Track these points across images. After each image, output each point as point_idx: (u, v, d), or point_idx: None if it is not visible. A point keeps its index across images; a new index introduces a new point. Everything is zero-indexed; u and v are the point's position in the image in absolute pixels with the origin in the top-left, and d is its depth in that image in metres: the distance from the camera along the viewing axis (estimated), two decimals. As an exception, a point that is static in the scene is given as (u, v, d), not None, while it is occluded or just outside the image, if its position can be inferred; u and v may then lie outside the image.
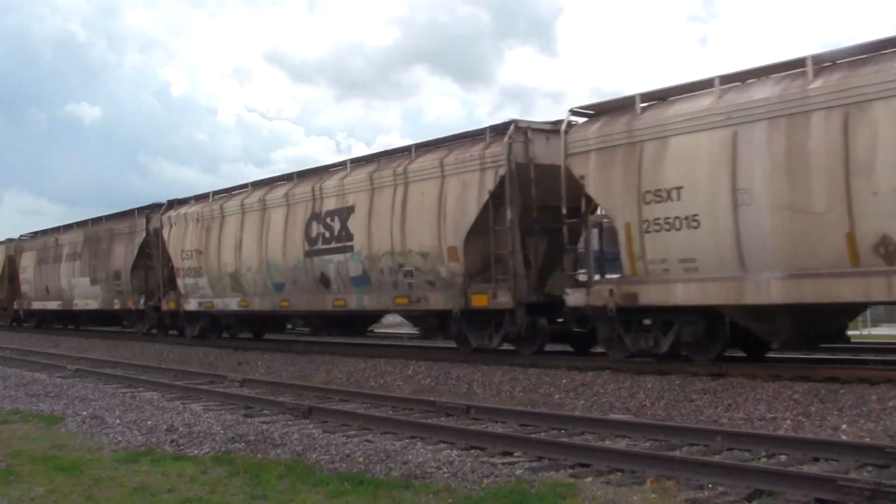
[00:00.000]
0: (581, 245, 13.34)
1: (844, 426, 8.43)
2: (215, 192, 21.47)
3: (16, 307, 33.80)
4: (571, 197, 12.57)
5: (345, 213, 16.25)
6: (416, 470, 6.92)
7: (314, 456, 7.64)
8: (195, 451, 8.17)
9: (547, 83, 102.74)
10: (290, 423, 10.14)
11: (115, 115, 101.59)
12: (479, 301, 13.78)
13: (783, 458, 7.34)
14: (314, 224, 17.02)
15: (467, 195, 13.93)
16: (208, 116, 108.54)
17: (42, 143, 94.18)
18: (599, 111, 12.66)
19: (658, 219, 11.15)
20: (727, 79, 10.94)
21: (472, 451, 8.10)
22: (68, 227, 30.18)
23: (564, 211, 12.67)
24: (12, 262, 34.61)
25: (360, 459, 7.39)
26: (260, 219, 18.78)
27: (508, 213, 13.42)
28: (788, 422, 8.84)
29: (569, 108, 13.28)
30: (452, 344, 15.43)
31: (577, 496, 6.07)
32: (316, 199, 17.10)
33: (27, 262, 32.52)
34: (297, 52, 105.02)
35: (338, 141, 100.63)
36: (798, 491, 5.87)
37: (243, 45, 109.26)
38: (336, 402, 11.86)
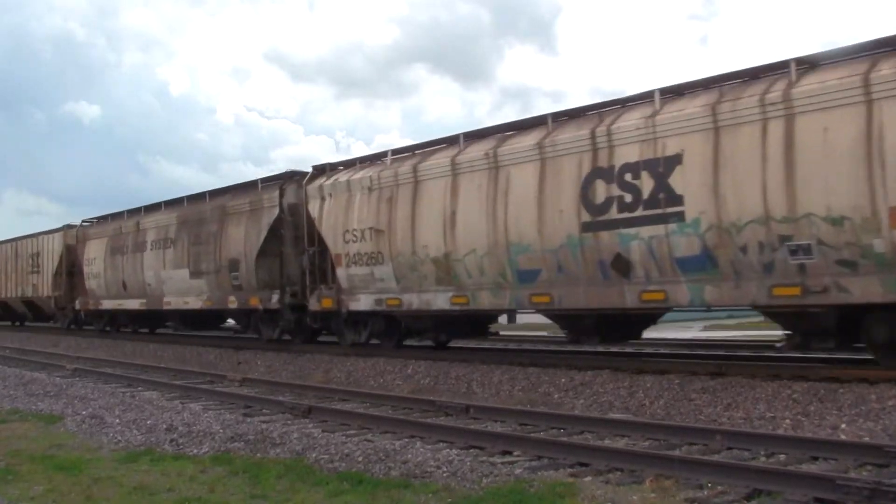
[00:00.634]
0: None
1: (844, 425, 8.44)
2: (395, 151, 16.17)
3: (77, 307, 27.96)
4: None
5: (661, 164, 11.29)
6: (415, 469, 6.92)
7: (313, 455, 7.64)
8: (194, 451, 8.17)
9: (547, 82, 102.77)
10: (289, 422, 10.14)
11: (114, 114, 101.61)
12: None
13: (782, 457, 7.35)
14: (599, 184, 12.01)
15: None
16: (207, 116, 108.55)
17: (41, 143, 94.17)
18: None
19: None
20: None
21: (472, 450, 8.10)
22: (152, 207, 24.36)
23: None
24: (72, 253, 28.61)
25: (360, 459, 7.39)
26: (488, 181, 13.54)
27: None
28: (788, 421, 8.85)
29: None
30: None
31: (577, 495, 6.08)
32: (599, 149, 12.06)
33: (94, 252, 26.45)
34: (297, 51, 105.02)
35: (337, 140, 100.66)
36: (797, 490, 5.88)
37: (243, 44, 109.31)
38: (335, 402, 11.86)
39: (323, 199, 16.77)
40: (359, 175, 16.15)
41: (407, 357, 15.20)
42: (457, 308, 14.40)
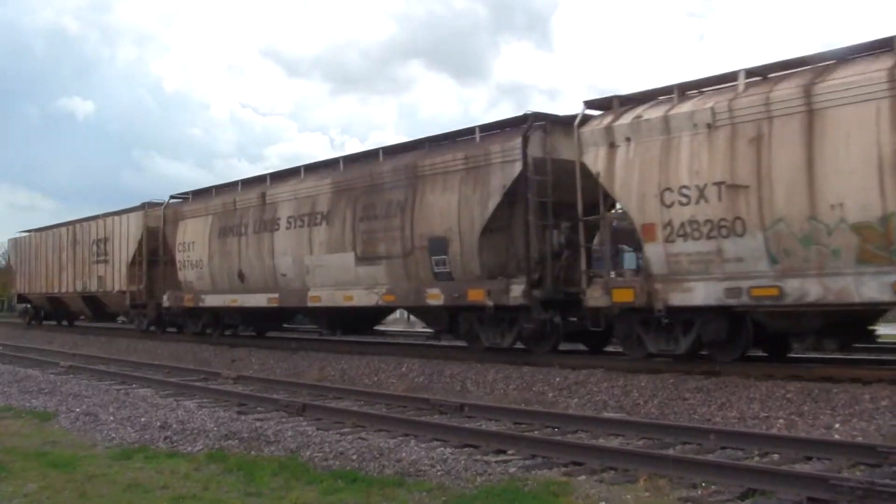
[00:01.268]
0: None
1: (837, 425, 8.47)
2: (750, 72, 11.14)
3: (166, 303, 22.29)
4: None
5: None
6: (409, 468, 6.92)
7: (308, 453, 7.64)
8: (189, 448, 8.16)
9: (543, 79, 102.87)
10: (283, 420, 10.13)
11: (108, 109, 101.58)
12: None
13: (776, 456, 7.37)
14: None
15: None
16: (202, 112, 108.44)
17: (35, 138, 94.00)
18: None
19: None
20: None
21: (466, 448, 8.10)
22: (284, 174, 18.99)
23: None
24: (154, 238, 23.29)
25: (354, 457, 7.39)
26: None
27: None
28: (781, 421, 8.88)
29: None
30: None
31: (571, 494, 6.09)
32: None
33: (192, 235, 21.17)
34: (292, 47, 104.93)
35: (332, 137, 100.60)
36: (791, 490, 5.89)
37: (238, 40, 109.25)
38: (330, 400, 11.86)
39: (613, 145, 12.18)
40: (686, 107, 11.48)
41: (401, 355, 15.20)
42: None
